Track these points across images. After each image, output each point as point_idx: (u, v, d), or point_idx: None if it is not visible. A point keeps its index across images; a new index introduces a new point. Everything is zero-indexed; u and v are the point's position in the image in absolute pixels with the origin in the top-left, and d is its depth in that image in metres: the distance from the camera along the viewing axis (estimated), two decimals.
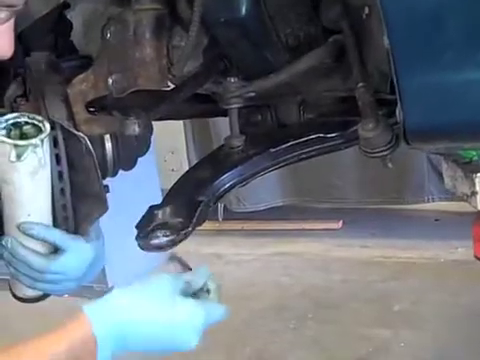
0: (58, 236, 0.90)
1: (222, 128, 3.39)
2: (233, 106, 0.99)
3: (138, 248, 0.90)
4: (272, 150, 0.99)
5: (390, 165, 0.86)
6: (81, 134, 0.91)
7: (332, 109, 1.05)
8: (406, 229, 3.31)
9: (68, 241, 0.91)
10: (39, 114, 0.93)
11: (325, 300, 2.78)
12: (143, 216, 0.94)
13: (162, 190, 3.06)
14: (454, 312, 2.53)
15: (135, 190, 2.65)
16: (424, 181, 3.26)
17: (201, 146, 3.55)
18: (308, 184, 3.47)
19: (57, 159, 0.91)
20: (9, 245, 0.90)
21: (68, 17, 1.09)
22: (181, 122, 3.53)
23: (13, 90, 1.00)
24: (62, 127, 0.92)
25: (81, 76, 0.96)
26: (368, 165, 3.28)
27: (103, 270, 2.92)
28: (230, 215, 3.31)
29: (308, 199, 3.54)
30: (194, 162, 3.64)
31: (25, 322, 2.82)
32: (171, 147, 3.71)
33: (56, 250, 0.92)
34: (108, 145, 0.97)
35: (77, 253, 0.91)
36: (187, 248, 3.56)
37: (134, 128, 0.86)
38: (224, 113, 1.13)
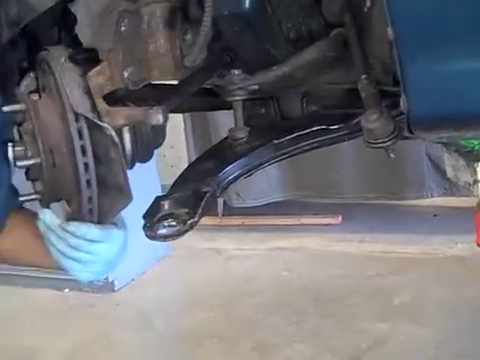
0: (96, 233, 0.93)
1: (221, 124, 3.41)
2: (237, 98, 1.00)
3: (145, 239, 0.91)
4: (276, 141, 1.00)
5: (392, 155, 0.88)
6: (107, 125, 0.91)
7: (335, 101, 1.06)
8: (405, 224, 3.33)
9: (104, 235, 0.94)
10: (59, 108, 0.94)
11: (325, 294, 2.80)
12: (150, 206, 0.95)
13: (162, 186, 3.08)
14: (454, 306, 2.55)
15: (135, 186, 2.66)
16: (424, 176, 3.27)
17: (200, 142, 3.57)
18: (308, 179, 3.48)
19: (83, 151, 0.92)
20: (48, 218, 0.94)
21: (72, 10, 1.09)
22: (180, 118, 3.54)
23: (26, 86, 1.01)
24: (86, 119, 0.92)
25: (97, 69, 0.97)
26: (368, 160, 3.29)
27: None
28: (230, 210, 3.32)
29: (308, 194, 3.55)
30: (193, 158, 3.66)
31: (25, 318, 2.84)
32: (170, 142, 3.72)
33: None
34: (127, 137, 0.98)
35: (111, 242, 0.95)
36: (187, 243, 3.61)
37: (158, 118, 0.87)
38: (226, 106, 1.14)
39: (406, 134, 0.80)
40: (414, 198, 3.37)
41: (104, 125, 0.92)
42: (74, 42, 1.14)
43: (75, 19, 1.11)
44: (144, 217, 0.93)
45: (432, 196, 3.32)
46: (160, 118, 0.87)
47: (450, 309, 2.54)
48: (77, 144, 0.92)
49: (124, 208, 0.94)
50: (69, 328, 2.74)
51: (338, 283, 2.89)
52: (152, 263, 3.20)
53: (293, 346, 2.44)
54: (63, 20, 1.16)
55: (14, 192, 1.11)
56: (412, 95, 0.74)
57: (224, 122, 3.32)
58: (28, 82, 1.02)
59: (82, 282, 1.02)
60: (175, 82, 0.99)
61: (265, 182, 3.44)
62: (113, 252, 0.95)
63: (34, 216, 1.11)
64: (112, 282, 3.05)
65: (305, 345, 2.44)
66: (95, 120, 0.92)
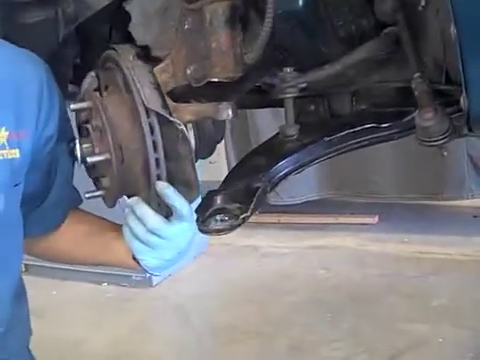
0: (186, 205, 0.92)
1: (259, 121, 3.42)
2: (289, 96, 1.00)
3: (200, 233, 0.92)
4: (327, 139, 1.00)
5: (445, 153, 0.88)
6: (178, 121, 0.92)
7: (385, 99, 1.06)
8: (443, 225, 3.30)
9: (189, 212, 0.93)
10: (128, 104, 0.95)
11: (361, 294, 2.79)
12: (202, 201, 0.96)
13: (201, 182, 3.10)
14: None
15: None
16: (464, 177, 3.23)
17: (238, 139, 3.58)
18: (345, 178, 3.48)
19: (154, 146, 0.92)
20: (134, 202, 0.94)
21: (127, 9, 1.12)
22: None
23: (89, 84, 1.02)
24: (157, 115, 0.93)
25: (161, 66, 0.97)
26: (406, 160, 3.27)
27: None
28: (267, 208, 3.33)
29: (345, 193, 3.54)
30: (231, 154, 3.69)
31: (64, 311, 2.90)
32: None
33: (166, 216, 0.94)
34: (191, 133, 0.97)
35: (189, 225, 0.94)
36: (224, 240, 3.64)
37: (228, 113, 0.88)
38: (274, 104, 1.15)
39: (464, 132, 0.80)
40: (453, 199, 3.34)
41: (175, 121, 0.92)
42: (125, 40, 1.16)
43: (127, 17, 1.13)
44: (196, 211, 0.94)
45: (472, 197, 3.28)
46: (230, 113, 0.88)
47: None
48: (149, 140, 0.92)
49: (192, 203, 0.94)
50: (108, 321, 2.79)
51: (375, 283, 2.87)
52: (189, 259, 3.23)
53: (329, 345, 2.44)
54: (115, 18, 1.18)
55: (74, 191, 1.13)
56: (473, 93, 0.75)
57: (262, 119, 3.34)
58: (90, 80, 1.03)
59: (149, 271, 1.00)
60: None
61: (303, 180, 3.44)
62: (184, 241, 0.95)
63: (89, 216, 1.12)
64: (150, 277, 3.08)
65: (341, 344, 2.44)
66: (167, 116, 0.92)
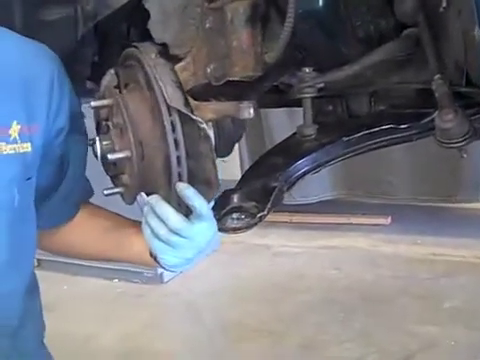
0: (205, 206, 0.92)
1: (273, 121, 3.42)
2: (307, 96, 1.00)
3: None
4: (345, 139, 1.00)
5: (465, 155, 0.87)
6: (200, 119, 0.92)
7: (403, 101, 1.06)
8: (457, 227, 3.28)
9: (209, 212, 0.93)
10: (150, 102, 0.95)
11: (373, 294, 2.79)
12: (218, 199, 0.96)
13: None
14: None
15: None
16: (479, 179, 3.21)
17: (252, 137, 3.58)
18: (359, 179, 3.47)
19: (176, 144, 0.92)
20: (154, 200, 0.93)
21: (146, 6, 1.12)
22: None
23: (108, 81, 1.03)
24: (179, 113, 0.93)
25: (181, 64, 0.98)
26: (420, 162, 3.25)
27: None
28: (279, 207, 3.31)
29: (358, 194, 3.53)
30: (245, 154, 3.69)
31: (75, 307, 2.91)
32: None
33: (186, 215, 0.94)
34: (210, 131, 0.96)
35: (209, 225, 0.93)
36: (236, 238, 3.62)
37: (250, 112, 0.88)
38: (292, 104, 1.15)
39: None
40: (467, 201, 3.32)
41: (197, 119, 0.92)
42: (143, 38, 1.16)
43: (146, 15, 1.14)
44: (213, 209, 0.94)
45: None
46: (251, 112, 0.88)
47: None
48: (170, 137, 0.92)
49: (211, 201, 0.94)
50: (118, 317, 2.80)
51: (387, 284, 2.87)
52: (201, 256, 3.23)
53: (341, 345, 2.44)
54: (133, 16, 1.19)
55: (87, 182, 1.14)
56: None
57: (276, 119, 3.33)
58: (110, 78, 1.03)
59: (167, 269, 0.99)
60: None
61: (316, 180, 3.43)
62: (205, 240, 0.94)
63: (105, 211, 1.12)
64: (161, 274, 3.09)
65: (353, 344, 2.44)
66: (189, 114, 0.92)
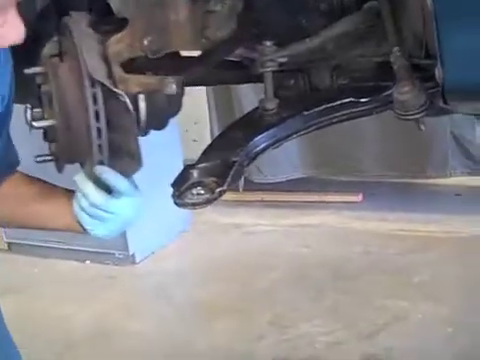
0: (124, 184, 0.96)
1: (244, 100, 3.40)
2: (268, 69, 1.00)
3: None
4: (305, 113, 1.00)
5: (423, 127, 0.88)
6: (121, 92, 0.92)
7: (365, 74, 1.06)
8: (427, 203, 3.31)
9: (129, 188, 0.97)
10: (76, 72, 0.95)
11: (344, 271, 2.81)
12: (178, 175, 0.96)
13: (184, 160, 3.09)
14: (473, 286, 2.54)
15: (158, 160, 2.68)
16: (447, 155, 3.25)
17: (223, 117, 3.56)
18: (329, 156, 3.48)
19: (96, 116, 0.93)
20: (78, 178, 0.98)
21: None
22: (204, 93, 3.54)
23: (49, 49, 1.02)
24: (102, 85, 0.93)
25: (117, 36, 0.97)
26: (389, 138, 3.28)
27: (125, 237, 2.97)
28: (250, 186, 3.33)
29: (329, 171, 3.54)
30: (217, 133, 3.67)
31: (47, 289, 2.89)
32: (194, 118, 3.73)
33: (110, 191, 0.98)
34: (142, 105, 0.97)
35: (131, 200, 0.98)
36: (207, 218, 3.63)
37: (172, 87, 0.88)
38: (254, 79, 1.14)
39: (439, 105, 0.80)
40: (436, 177, 3.35)
41: (118, 91, 0.92)
42: (106, 11, 1.14)
43: None
44: (172, 185, 0.94)
45: (455, 175, 3.29)
46: (174, 88, 0.88)
47: (470, 288, 2.53)
48: (91, 109, 0.92)
49: (133, 174, 0.97)
50: (91, 298, 2.79)
51: (357, 260, 2.89)
52: (172, 237, 3.23)
53: (311, 321, 2.46)
54: None
55: (12, 152, 1.14)
56: (448, 65, 0.74)
57: (247, 98, 3.32)
58: (51, 46, 1.02)
59: (98, 239, 1.05)
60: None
61: (286, 158, 3.44)
62: (129, 214, 0.98)
63: (39, 180, 1.14)
64: (133, 255, 3.09)
65: (322, 320, 2.46)
66: (110, 86, 0.93)
